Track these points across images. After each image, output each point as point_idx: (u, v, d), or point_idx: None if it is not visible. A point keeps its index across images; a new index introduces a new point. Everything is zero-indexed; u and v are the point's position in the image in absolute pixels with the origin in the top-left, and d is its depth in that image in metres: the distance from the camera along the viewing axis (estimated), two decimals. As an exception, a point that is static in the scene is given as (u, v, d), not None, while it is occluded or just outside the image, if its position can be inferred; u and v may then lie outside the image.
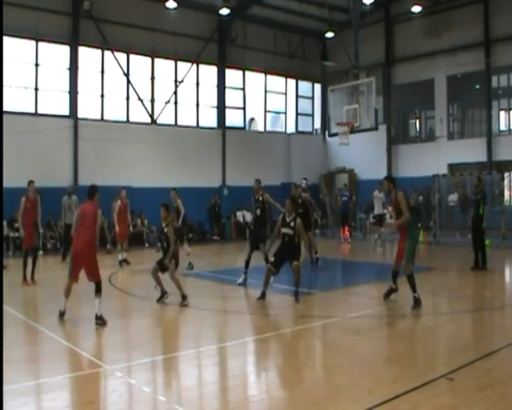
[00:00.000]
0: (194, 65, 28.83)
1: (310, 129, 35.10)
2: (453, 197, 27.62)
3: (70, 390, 6.93)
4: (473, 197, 17.25)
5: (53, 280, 14.67)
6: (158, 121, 27.66)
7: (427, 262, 18.48)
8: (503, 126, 28.62)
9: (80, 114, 25.02)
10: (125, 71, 26.52)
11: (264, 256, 13.89)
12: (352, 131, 23.68)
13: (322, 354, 8.40)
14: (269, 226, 14.68)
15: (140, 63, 27.18)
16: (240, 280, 14.03)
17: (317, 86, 35.08)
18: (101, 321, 9.79)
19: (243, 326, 10.23)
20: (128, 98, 26.80)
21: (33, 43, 23.68)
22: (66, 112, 24.81)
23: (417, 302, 10.89)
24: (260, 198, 14.51)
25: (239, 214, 28.80)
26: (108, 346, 8.89)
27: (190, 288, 13.31)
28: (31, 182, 14.97)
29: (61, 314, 10.02)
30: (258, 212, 14.51)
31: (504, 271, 17.88)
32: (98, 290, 9.92)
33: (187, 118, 28.95)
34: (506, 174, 26.71)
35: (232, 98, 30.74)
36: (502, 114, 28.91)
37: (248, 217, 28.84)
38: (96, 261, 10.15)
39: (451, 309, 11.15)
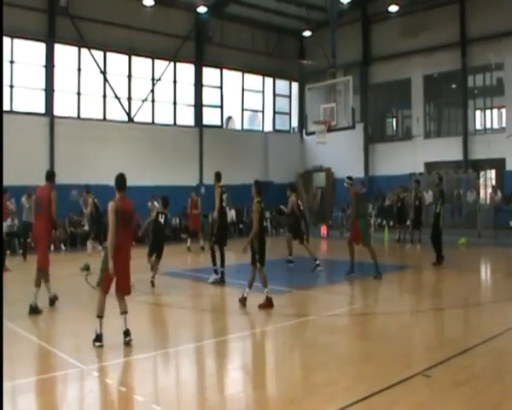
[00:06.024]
0: (172, 63, 28.74)
1: (287, 127, 35.21)
2: (428, 196, 27.77)
3: (47, 391, 6.85)
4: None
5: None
6: (135, 119, 27.53)
7: (402, 260, 18.61)
8: (478, 126, 28.93)
9: (56, 112, 24.82)
10: (102, 69, 26.33)
11: None
12: (330, 129, 23.74)
13: (298, 352, 8.41)
14: None
15: (117, 61, 27.04)
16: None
17: (295, 85, 35.20)
18: None
19: (220, 325, 10.19)
20: (105, 96, 26.64)
21: (9, 40, 23.38)
22: (42, 110, 24.59)
23: None
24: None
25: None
26: (85, 346, 8.80)
27: (166, 287, 13.24)
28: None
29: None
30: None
31: (477, 269, 17.96)
32: None
33: (164, 116, 28.88)
34: (481, 173, 26.98)
35: (209, 97, 30.71)
36: (477, 113, 29.22)
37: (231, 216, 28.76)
38: None
39: (427, 307, 11.22)
